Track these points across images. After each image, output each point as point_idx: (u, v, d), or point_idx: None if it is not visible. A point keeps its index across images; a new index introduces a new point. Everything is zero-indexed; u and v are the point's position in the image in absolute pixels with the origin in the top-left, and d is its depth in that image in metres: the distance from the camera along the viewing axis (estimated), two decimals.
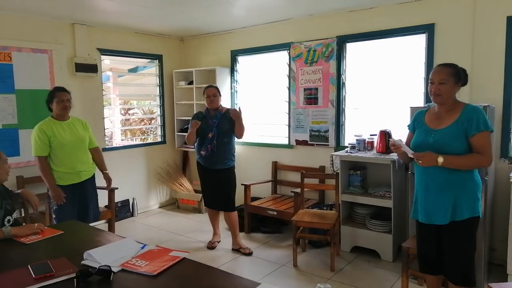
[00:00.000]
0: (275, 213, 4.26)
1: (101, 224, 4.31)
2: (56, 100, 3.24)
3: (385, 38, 4.04)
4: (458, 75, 2.25)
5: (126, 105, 6.86)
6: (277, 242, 4.20)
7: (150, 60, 5.64)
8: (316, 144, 4.54)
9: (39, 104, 4.17)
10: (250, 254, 3.84)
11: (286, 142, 4.83)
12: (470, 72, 2.68)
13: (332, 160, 3.94)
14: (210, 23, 4.81)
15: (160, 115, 5.65)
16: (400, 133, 3.42)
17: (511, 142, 3.47)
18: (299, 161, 4.68)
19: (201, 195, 4.47)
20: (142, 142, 6.00)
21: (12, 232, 2.19)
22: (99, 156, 3.58)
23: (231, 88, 5.29)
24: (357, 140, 3.95)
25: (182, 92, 5.60)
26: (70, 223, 2.71)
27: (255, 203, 4.53)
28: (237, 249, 3.90)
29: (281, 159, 4.88)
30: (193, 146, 4.04)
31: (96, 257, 1.81)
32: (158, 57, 5.53)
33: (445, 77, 2.23)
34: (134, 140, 6.82)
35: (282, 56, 4.80)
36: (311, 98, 4.52)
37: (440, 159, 2.16)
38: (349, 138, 4.30)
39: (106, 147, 4.91)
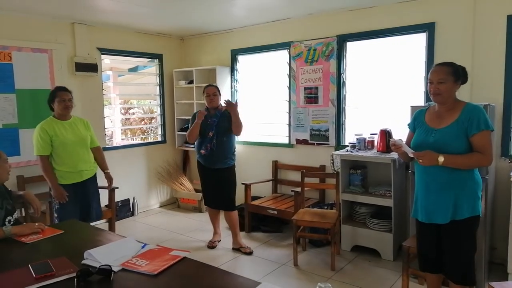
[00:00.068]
0: (275, 212, 4.26)
1: (102, 224, 4.31)
2: (57, 100, 3.26)
3: (386, 37, 4.03)
4: (457, 74, 2.25)
5: (126, 105, 6.86)
6: (277, 241, 4.20)
7: (150, 59, 5.64)
8: (316, 143, 4.54)
9: (39, 103, 4.19)
10: (250, 253, 3.84)
11: (286, 141, 4.83)
12: (471, 71, 2.67)
13: (332, 159, 3.94)
14: (210, 22, 4.80)
15: (160, 115, 5.65)
16: (401, 132, 3.42)
17: None
18: (300, 160, 4.68)
19: (201, 194, 4.47)
20: (142, 142, 6.00)
21: (12, 231, 2.19)
22: (101, 155, 3.59)
23: (231, 88, 5.29)
24: (357, 139, 3.95)
25: (182, 92, 5.60)
26: (70, 223, 2.72)
27: (255, 202, 4.53)
28: (238, 249, 3.90)
29: (281, 158, 4.88)
30: (193, 146, 4.04)
31: (96, 257, 1.81)
32: (158, 57, 5.53)
33: (444, 76, 2.22)
34: (135, 139, 6.82)
35: (282, 55, 4.79)
36: (311, 97, 4.52)
37: (441, 159, 2.16)
38: (349, 137, 4.30)
39: (107, 146, 4.91)
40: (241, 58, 5.23)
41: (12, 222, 2.42)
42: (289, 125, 4.76)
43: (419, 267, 2.54)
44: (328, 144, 4.44)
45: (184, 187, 5.58)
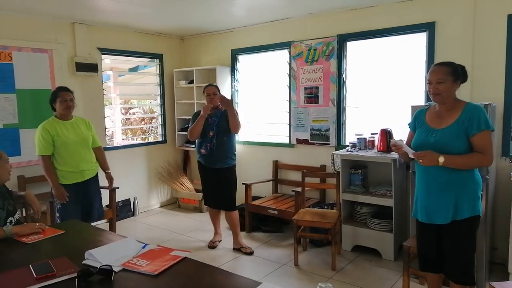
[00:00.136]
0: (276, 212, 4.26)
1: (102, 224, 4.31)
2: (59, 100, 3.27)
3: (386, 37, 4.03)
4: (456, 73, 2.24)
5: (126, 105, 6.86)
6: (278, 241, 4.20)
7: (150, 59, 5.64)
8: (317, 143, 4.54)
9: (39, 103, 4.19)
10: (251, 253, 3.84)
11: (287, 141, 4.83)
12: (471, 70, 2.67)
13: (333, 159, 3.94)
14: (210, 22, 4.80)
15: (161, 114, 5.65)
16: (401, 132, 3.43)
17: None
18: (300, 160, 4.68)
19: (202, 194, 4.47)
20: (142, 142, 6.00)
21: (13, 231, 2.20)
22: (102, 155, 3.61)
23: (232, 87, 5.29)
24: (358, 139, 3.95)
25: (182, 91, 5.60)
26: (71, 223, 2.72)
27: (256, 202, 4.53)
28: (238, 249, 3.90)
29: (282, 158, 4.87)
30: (193, 146, 4.03)
31: (97, 257, 1.81)
32: (159, 56, 5.53)
33: (442, 76, 2.22)
34: (135, 139, 6.83)
35: (283, 55, 4.79)
36: (312, 97, 4.51)
37: (441, 159, 2.16)
38: (350, 137, 4.29)
39: (107, 146, 4.91)
40: (241, 58, 5.23)
41: (13, 223, 2.42)
42: (290, 125, 4.76)
43: (419, 267, 2.54)
44: (329, 144, 4.44)
45: (185, 187, 5.58)
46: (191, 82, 5.42)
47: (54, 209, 3.35)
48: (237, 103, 5.30)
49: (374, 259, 3.66)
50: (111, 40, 4.92)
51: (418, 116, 2.46)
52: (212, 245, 4.04)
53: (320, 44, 4.39)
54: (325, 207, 4.14)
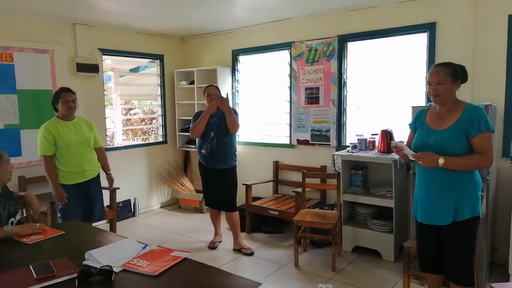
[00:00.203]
0: (276, 213, 4.26)
1: (103, 224, 4.32)
2: (61, 101, 3.29)
3: (386, 37, 4.03)
4: (456, 74, 2.24)
5: (127, 105, 6.86)
6: (278, 242, 4.20)
7: (151, 60, 5.64)
8: (317, 144, 4.54)
9: (40, 104, 4.20)
10: (251, 254, 3.84)
11: (287, 141, 4.83)
12: (472, 71, 2.67)
13: (333, 160, 3.94)
14: (211, 22, 4.81)
15: (162, 115, 5.66)
16: (402, 133, 3.43)
17: None
18: (301, 160, 4.68)
19: (202, 195, 4.47)
20: (143, 142, 6.01)
21: (13, 231, 2.20)
22: (103, 156, 3.62)
23: (232, 88, 5.29)
24: (358, 139, 3.95)
25: (183, 92, 5.60)
26: (71, 223, 2.72)
27: (256, 203, 4.53)
28: (239, 249, 3.90)
29: (282, 158, 4.87)
30: (194, 146, 4.03)
31: (97, 257, 1.81)
32: (159, 57, 5.53)
33: (442, 77, 2.21)
34: (136, 140, 6.83)
35: (283, 56, 4.79)
36: (312, 97, 4.52)
37: (441, 160, 2.16)
38: (350, 138, 4.29)
39: (108, 147, 4.91)
40: (242, 59, 5.24)
41: (14, 224, 2.42)
42: (290, 125, 4.76)
43: (419, 267, 2.54)
44: (329, 144, 4.43)
45: (185, 187, 5.58)
46: (192, 82, 5.42)
47: (56, 209, 3.36)
48: (237, 104, 5.31)
49: (374, 260, 3.65)
50: (112, 41, 4.92)
51: (419, 117, 2.46)
52: (212, 246, 4.04)
53: (321, 44, 4.39)
54: (326, 207, 4.14)
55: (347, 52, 4.30)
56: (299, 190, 3.91)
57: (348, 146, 4.07)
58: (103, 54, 4.87)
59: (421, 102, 3.76)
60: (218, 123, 3.72)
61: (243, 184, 4.39)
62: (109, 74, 5.38)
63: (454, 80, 2.23)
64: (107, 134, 5.07)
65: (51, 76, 4.35)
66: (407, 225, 3.60)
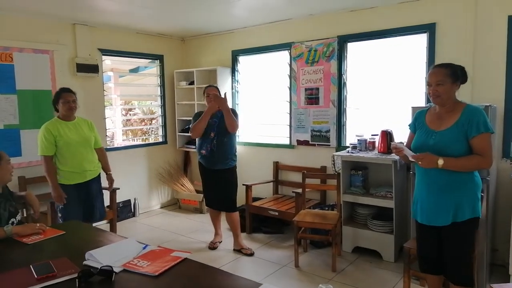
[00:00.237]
0: (276, 213, 4.26)
1: (103, 225, 4.32)
2: (62, 101, 3.30)
3: (386, 38, 4.03)
4: (455, 75, 2.24)
5: (127, 105, 6.86)
6: (278, 242, 4.20)
7: (151, 60, 5.64)
8: (317, 144, 4.54)
9: (40, 104, 4.20)
10: (251, 254, 3.84)
11: (287, 142, 4.83)
12: (472, 71, 2.67)
13: (333, 160, 3.94)
14: (211, 23, 4.81)
15: (161, 115, 5.66)
16: (402, 133, 3.43)
17: None
18: (301, 161, 4.68)
19: (202, 195, 4.47)
20: (143, 143, 6.01)
21: (13, 231, 2.20)
22: (104, 156, 3.62)
23: (232, 88, 5.29)
24: (358, 140, 3.95)
25: (183, 92, 5.60)
26: (71, 223, 2.72)
27: (256, 203, 4.52)
28: (239, 250, 3.90)
29: (282, 159, 4.87)
30: (194, 147, 4.03)
31: (98, 258, 1.81)
32: (159, 57, 5.53)
33: (442, 78, 2.21)
34: (136, 140, 6.83)
35: (283, 56, 4.80)
36: (312, 98, 4.52)
37: (440, 161, 2.16)
38: (350, 138, 4.29)
39: (108, 147, 4.91)
40: (242, 59, 5.24)
41: (15, 224, 2.42)
42: (290, 126, 4.76)
43: (419, 268, 2.54)
44: (329, 145, 4.44)
45: (185, 188, 5.58)
46: (192, 83, 5.42)
47: (56, 209, 3.36)
48: (237, 104, 5.31)
49: (374, 261, 3.65)
50: (112, 41, 4.93)
51: (418, 117, 2.46)
52: (212, 246, 4.04)
53: (321, 45, 4.39)
54: (326, 208, 4.14)
55: (347, 53, 4.31)
56: (299, 190, 3.91)
57: (348, 147, 4.07)
58: (103, 55, 4.87)
59: (421, 102, 3.76)
60: (218, 123, 3.72)
61: (243, 184, 4.39)
62: (109, 74, 5.38)
63: (453, 81, 2.23)
64: (107, 134, 5.07)
65: (50, 76, 4.35)
66: (407, 225, 3.60)
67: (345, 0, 3.87)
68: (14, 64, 4.05)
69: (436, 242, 2.35)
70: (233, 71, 5.26)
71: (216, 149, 3.70)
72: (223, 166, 3.76)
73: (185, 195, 5.54)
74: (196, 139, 3.88)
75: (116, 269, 1.72)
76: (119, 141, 5.74)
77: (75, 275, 1.64)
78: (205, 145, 3.73)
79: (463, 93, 2.73)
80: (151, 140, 5.88)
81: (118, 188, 4.05)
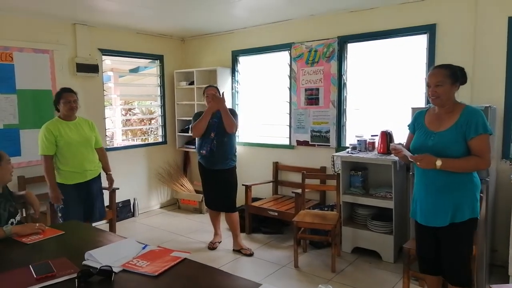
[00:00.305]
0: (276, 213, 4.26)
1: (102, 224, 4.32)
2: (63, 101, 3.30)
3: (386, 39, 4.03)
4: (455, 76, 2.24)
5: (127, 105, 6.86)
6: (278, 242, 4.20)
7: (151, 60, 5.64)
8: (317, 145, 4.54)
9: (40, 104, 4.20)
10: (251, 255, 3.84)
11: (287, 142, 4.83)
12: (472, 72, 2.67)
13: (333, 161, 3.94)
14: (211, 23, 4.81)
15: (161, 115, 5.66)
16: (401, 134, 3.42)
17: None
18: (300, 161, 4.68)
19: (201, 195, 4.46)
20: (143, 143, 6.01)
21: (13, 231, 2.19)
22: (104, 156, 3.63)
23: (232, 89, 5.29)
24: (358, 140, 3.95)
25: (183, 93, 5.60)
26: (71, 223, 2.72)
27: (256, 203, 4.52)
28: (238, 250, 3.90)
29: (282, 159, 4.87)
30: (194, 147, 4.03)
31: (97, 257, 1.80)
32: (159, 58, 5.53)
33: (441, 79, 2.22)
34: (135, 140, 6.83)
35: (283, 57, 4.80)
36: (312, 98, 4.52)
37: (439, 162, 2.16)
38: (350, 139, 4.29)
39: (107, 147, 4.90)
40: (242, 59, 5.24)
41: (15, 225, 2.41)
42: (290, 126, 4.76)
43: (418, 268, 2.55)
44: (329, 145, 4.44)
45: (185, 188, 5.58)
46: (192, 83, 5.42)
47: (56, 209, 3.37)
48: (237, 105, 5.31)
49: (374, 261, 3.65)
50: (112, 41, 4.93)
51: (418, 118, 2.46)
52: (212, 246, 4.03)
53: (321, 45, 4.39)
54: (325, 208, 4.14)
55: (347, 53, 4.31)
56: (299, 191, 3.91)
57: (348, 147, 4.07)
58: (103, 54, 4.87)
59: (421, 103, 3.76)
60: (218, 123, 3.72)
61: (242, 184, 4.39)
62: (109, 74, 5.37)
63: (453, 82, 2.23)
64: (107, 134, 5.07)
65: (50, 76, 4.35)
66: (406, 226, 3.60)
67: (345, 1, 3.87)
68: (14, 63, 4.05)
69: (435, 242, 2.35)
70: (233, 71, 5.26)
71: (216, 149, 3.70)
72: (223, 166, 3.76)
73: (184, 195, 5.54)
74: (196, 139, 3.88)
75: (115, 269, 1.71)
76: (118, 141, 5.74)
77: (75, 275, 1.64)
78: (205, 145, 3.72)
79: (463, 94, 2.73)
80: (151, 140, 5.88)
81: (118, 188, 4.05)
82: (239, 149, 4.50)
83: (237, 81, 5.28)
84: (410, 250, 2.72)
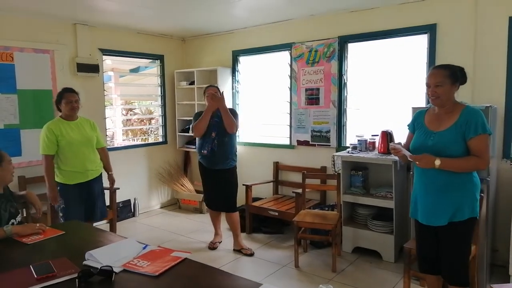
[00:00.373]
0: (276, 213, 4.26)
1: (103, 224, 4.32)
2: (64, 101, 3.30)
3: (387, 38, 4.03)
4: (455, 76, 2.24)
5: (127, 105, 6.87)
6: (278, 242, 4.20)
7: (151, 60, 5.64)
8: (317, 145, 4.54)
9: (40, 104, 4.20)
10: (251, 254, 3.84)
11: (287, 142, 4.83)
12: (472, 72, 2.67)
13: (333, 161, 3.94)
14: (211, 23, 4.81)
15: (162, 115, 5.66)
16: (402, 134, 3.41)
17: None
18: (301, 161, 4.68)
19: (202, 195, 4.46)
20: (143, 142, 6.01)
21: (13, 231, 2.19)
22: (106, 156, 3.63)
23: (233, 89, 5.29)
24: (358, 140, 3.95)
25: (183, 93, 5.60)
26: (71, 223, 2.73)
27: (256, 203, 4.52)
28: (239, 250, 3.90)
29: (282, 159, 4.87)
30: (194, 147, 4.03)
31: (97, 258, 1.81)
32: (160, 57, 5.53)
33: (441, 80, 2.22)
34: (136, 140, 6.83)
35: (284, 57, 4.80)
36: (313, 98, 4.52)
37: (437, 162, 2.16)
38: (350, 139, 4.29)
39: (108, 147, 4.89)
40: (242, 59, 5.24)
41: (15, 225, 2.41)
42: (290, 126, 4.76)
43: (418, 268, 2.55)
44: (329, 145, 4.43)
45: (185, 188, 5.58)
46: (192, 83, 5.42)
47: (57, 209, 3.37)
48: (237, 105, 5.31)
49: (374, 261, 3.65)
50: (112, 41, 4.93)
51: (417, 118, 2.47)
52: (212, 246, 4.03)
53: (321, 45, 4.39)
54: (326, 208, 4.14)
55: (347, 53, 4.31)
56: (299, 190, 3.91)
57: (348, 147, 4.06)
58: (104, 54, 4.87)
59: (421, 103, 3.76)
60: (219, 123, 3.71)
61: (243, 184, 4.39)
62: (109, 74, 5.38)
63: (453, 82, 2.23)
64: (107, 134, 5.07)
65: (51, 76, 4.35)
66: (407, 226, 3.60)
67: (345, 1, 3.87)
68: (14, 63, 4.05)
69: (435, 242, 2.35)
70: (234, 71, 5.26)
71: (217, 149, 3.70)
72: (223, 166, 3.76)
73: (185, 195, 5.54)
74: (197, 139, 3.88)
75: (116, 269, 1.71)
76: (119, 141, 5.75)
77: (75, 275, 1.64)
78: (206, 145, 3.72)
79: (464, 94, 2.73)
80: (151, 140, 5.88)
81: (118, 188, 4.05)
82: (239, 149, 4.50)
83: (237, 81, 5.28)
84: (410, 249, 2.72)
